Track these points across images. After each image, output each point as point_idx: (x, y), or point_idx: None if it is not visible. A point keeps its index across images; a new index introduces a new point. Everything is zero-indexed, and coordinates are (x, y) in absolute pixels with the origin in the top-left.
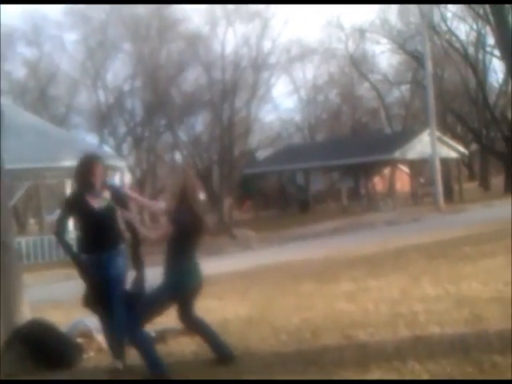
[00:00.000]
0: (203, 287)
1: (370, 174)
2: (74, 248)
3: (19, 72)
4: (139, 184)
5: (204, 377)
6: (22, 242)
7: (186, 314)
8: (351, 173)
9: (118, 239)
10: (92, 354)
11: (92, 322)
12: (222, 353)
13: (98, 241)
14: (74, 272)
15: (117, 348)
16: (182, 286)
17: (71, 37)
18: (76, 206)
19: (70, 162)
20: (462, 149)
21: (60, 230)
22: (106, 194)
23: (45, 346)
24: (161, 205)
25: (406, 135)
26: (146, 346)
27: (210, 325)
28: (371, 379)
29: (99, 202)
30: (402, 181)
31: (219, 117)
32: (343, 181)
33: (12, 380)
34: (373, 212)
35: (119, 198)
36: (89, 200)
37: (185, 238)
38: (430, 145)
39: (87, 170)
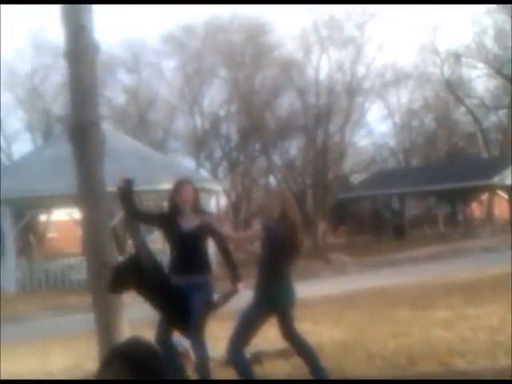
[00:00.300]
0: (296, 307)
1: (468, 199)
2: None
3: (119, 98)
4: (234, 207)
5: None
6: None
7: (288, 332)
8: (448, 198)
9: (206, 265)
10: (190, 373)
11: (187, 341)
12: (317, 376)
13: (185, 263)
14: None
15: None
16: (274, 304)
17: (169, 64)
18: (166, 224)
19: (168, 185)
20: None
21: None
22: (198, 220)
23: (144, 365)
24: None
25: (504, 160)
26: (244, 368)
27: (311, 346)
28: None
29: (189, 225)
30: (501, 207)
31: (313, 141)
32: (439, 206)
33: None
34: (470, 238)
35: (209, 227)
36: (179, 221)
37: (282, 255)
38: None
39: (178, 193)
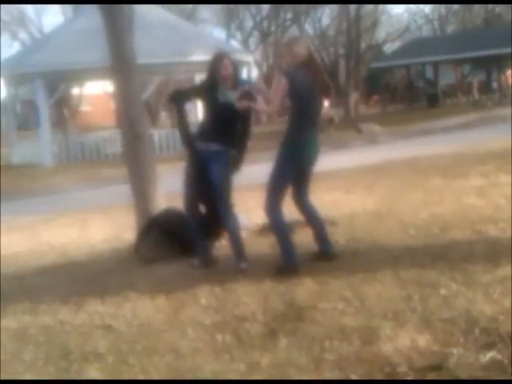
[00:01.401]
0: (326, 176)
1: (503, 67)
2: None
3: None
4: (265, 78)
5: (326, 270)
6: (155, 134)
7: (300, 196)
8: (483, 66)
9: (232, 138)
10: (224, 241)
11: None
12: (323, 249)
13: (212, 132)
14: None
15: (237, 249)
16: (299, 156)
17: None
18: (204, 94)
19: (199, 57)
20: None
21: (178, 98)
22: (235, 93)
23: (179, 234)
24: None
25: None
26: (284, 234)
27: (321, 218)
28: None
29: (225, 97)
30: None
31: (346, 9)
32: (474, 74)
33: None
34: (505, 106)
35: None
36: (216, 92)
37: (310, 100)
38: None
39: (217, 69)
